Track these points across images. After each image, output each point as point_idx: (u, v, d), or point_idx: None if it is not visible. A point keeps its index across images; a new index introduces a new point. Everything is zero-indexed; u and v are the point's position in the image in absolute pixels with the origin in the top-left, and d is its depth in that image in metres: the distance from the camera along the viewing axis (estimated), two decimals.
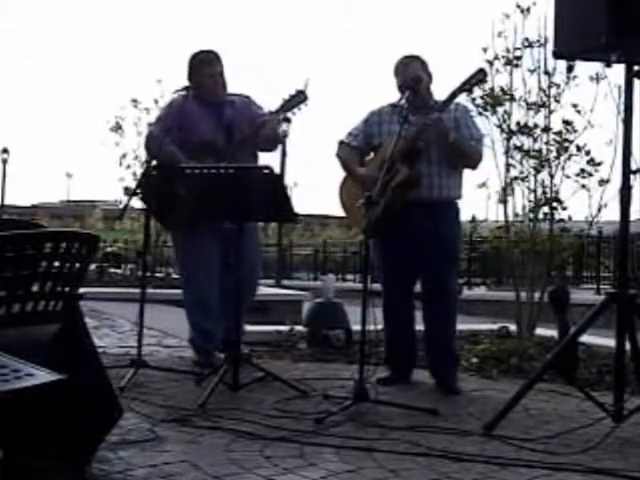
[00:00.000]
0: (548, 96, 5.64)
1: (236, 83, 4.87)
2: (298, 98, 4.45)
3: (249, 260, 4.50)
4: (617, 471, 2.86)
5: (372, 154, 4.48)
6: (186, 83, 4.52)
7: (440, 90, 4.41)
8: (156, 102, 11.53)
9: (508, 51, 5.70)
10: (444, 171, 4.30)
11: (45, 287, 2.27)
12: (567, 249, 6.34)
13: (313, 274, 21.68)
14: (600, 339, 5.25)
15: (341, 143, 4.54)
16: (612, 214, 4.26)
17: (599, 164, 5.51)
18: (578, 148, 5.55)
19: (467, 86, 4.22)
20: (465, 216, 4.81)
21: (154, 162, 4.60)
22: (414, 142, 4.17)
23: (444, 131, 4.16)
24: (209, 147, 4.51)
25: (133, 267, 15.98)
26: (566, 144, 5.57)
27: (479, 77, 4.23)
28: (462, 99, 4.37)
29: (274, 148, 4.72)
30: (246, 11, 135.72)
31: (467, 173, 4.49)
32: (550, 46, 3.84)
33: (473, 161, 4.40)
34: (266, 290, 9.32)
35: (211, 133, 4.58)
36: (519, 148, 5.69)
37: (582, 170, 5.53)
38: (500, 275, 14.86)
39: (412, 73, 4.28)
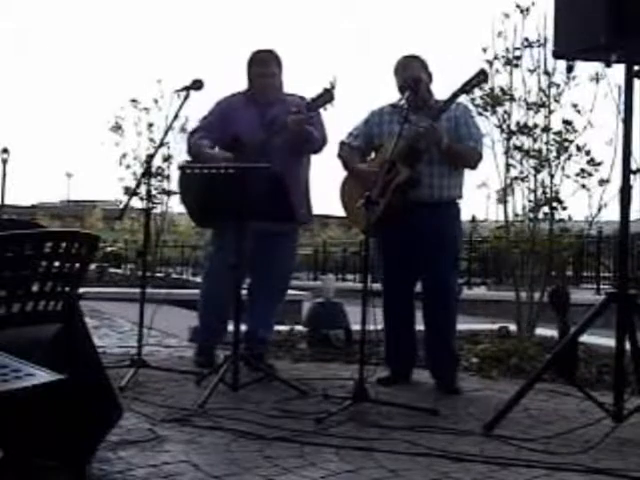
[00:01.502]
0: (548, 96, 5.64)
1: (235, 83, 4.87)
2: (325, 97, 4.41)
3: (275, 264, 4.56)
4: (617, 471, 2.86)
5: (373, 154, 4.49)
6: (186, 83, 4.52)
7: (441, 90, 4.42)
8: (156, 102, 11.54)
9: (508, 51, 5.71)
10: (445, 171, 4.30)
11: (45, 287, 2.27)
12: (567, 249, 6.34)
13: (313, 274, 21.67)
14: (600, 339, 5.26)
15: (342, 143, 4.54)
16: (612, 214, 4.26)
17: (599, 164, 5.51)
18: (578, 148, 5.55)
19: (468, 87, 4.22)
20: (465, 216, 4.81)
21: (189, 158, 4.67)
22: (414, 143, 4.17)
23: (437, 138, 4.16)
24: (241, 144, 4.50)
25: (133, 267, 15.98)
26: (566, 144, 5.57)
27: (480, 78, 4.23)
28: (462, 99, 4.37)
29: (312, 147, 4.67)
30: (245, 11, 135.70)
31: (467, 173, 4.49)
32: (550, 46, 3.84)
33: (471, 162, 4.39)
34: None
35: (252, 131, 4.54)
36: (519, 148, 5.69)
37: (582, 170, 5.54)
38: (500, 275, 14.84)
39: (411, 74, 4.28)
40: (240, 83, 4.82)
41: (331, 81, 4.43)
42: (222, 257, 4.63)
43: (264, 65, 4.66)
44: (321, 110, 4.48)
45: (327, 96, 4.42)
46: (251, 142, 4.48)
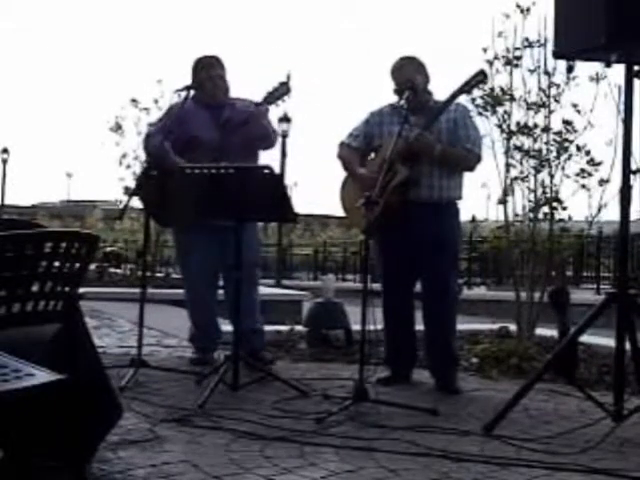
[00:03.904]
0: (548, 96, 5.63)
1: (237, 83, 4.89)
2: (281, 90, 4.50)
3: (245, 260, 4.52)
4: (617, 471, 2.86)
5: (373, 155, 4.49)
6: (187, 82, 4.54)
7: (441, 91, 4.42)
8: (156, 102, 11.52)
9: (508, 51, 5.69)
10: (445, 171, 4.29)
11: (45, 287, 2.27)
12: (567, 249, 6.34)
13: (313, 274, 21.68)
14: (600, 339, 5.26)
15: (342, 144, 4.54)
16: (612, 214, 4.26)
17: (599, 164, 5.50)
18: (578, 148, 5.54)
19: (467, 87, 4.22)
20: (465, 216, 4.81)
21: (149, 160, 4.66)
22: (413, 145, 4.16)
23: (428, 146, 4.16)
24: (201, 144, 4.52)
25: (133, 267, 15.97)
26: (566, 144, 5.56)
27: (479, 78, 4.23)
28: (462, 99, 4.36)
29: (270, 143, 4.75)
30: (246, 11, 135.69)
31: (467, 173, 4.49)
32: (550, 46, 3.84)
33: (468, 164, 4.39)
34: (266, 290, 9.32)
35: (207, 133, 4.60)
36: (519, 148, 5.68)
37: (582, 170, 5.53)
38: (500, 275, 14.86)
39: (404, 78, 4.28)
40: (241, 83, 4.86)
41: (287, 74, 4.51)
42: (194, 259, 4.67)
43: (212, 68, 4.73)
44: (279, 102, 4.53)
45: (283, 89, 4.50)
46: (209, 142, 4.53)
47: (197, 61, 4.77)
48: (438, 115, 4.20)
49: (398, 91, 4.30)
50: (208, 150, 4.47)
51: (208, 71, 4.72)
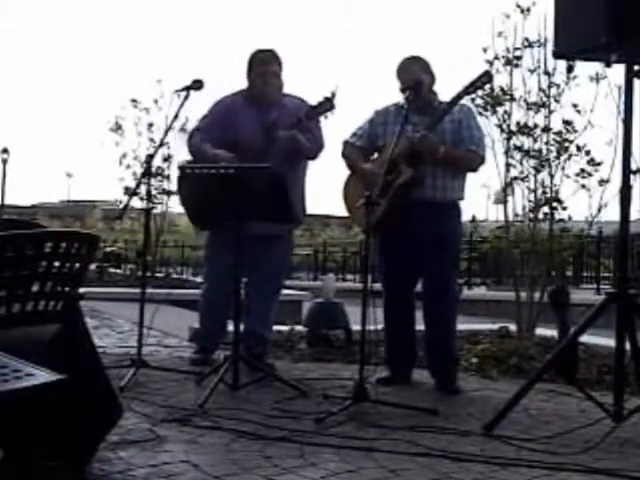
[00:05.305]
0: (548, 96, 5.64)
1: (235, 83, 4.87)
2: (325, 106, 4.43)
3: (270, 265, 4.53)
4: (617, 471, 2.86)
5: (376, 154, 4.48)
6: (186, 83, 4.52)
7: (441, 91, 4.42)
8: (156, 102, 11.56)
9: (508, 51, 5.70)
10: (448, 172, 4.29)
11: (45, 287, 2.27)
12: (567, 249, 6.35)
13: (313, 274, 21.65)
14: (600, 339, 5.25)
15: (346, 143, 4.54)
16: (612, 214, 4.26)
17: (599, 164, 5.51)
18: (578, 148, 5.55)
19: (472, 88, 4.22)
20: (465, 216, 4.81)
21: (190, 159, 4.66)
22: (417, 146, 4.15)
23: (432, 148, 4.16)
24: (243, 148, 4.48)
25: (133, 267, 15.97)
26: (566, 144, 5.57)
27: (484, 80, 4.23)
28: (463, 99, 4.36)
29: (306, 155, 4.65)
30: (245, 11, 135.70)
31: (469, 174, 4.48)
32: (550, 46, 3.85)
33: (472, 166, 4.38)
34: None
35: (251, 134, 4.52)
36: (519, 148, 5.69)
37: (582, 170, 5.54)
38: (500, 275, 14.84)
39: (410, 78, 4.27)
40: (240, 83, 4.81)
41: (332, 90, 4.44)
42: (220, 260, 4.64)
43: (267, 64, 4.62)
44: (321, 118, 4.48)
45: (327, 104, 4.44)
46: (251, 145, 4.45)
47: (252, 55, 4.66)
48: (443, 116, 4.19)
49: (404, 90, 4.29)
50: (250, 153, 4.37)
51: (262, 67, 4.60)
